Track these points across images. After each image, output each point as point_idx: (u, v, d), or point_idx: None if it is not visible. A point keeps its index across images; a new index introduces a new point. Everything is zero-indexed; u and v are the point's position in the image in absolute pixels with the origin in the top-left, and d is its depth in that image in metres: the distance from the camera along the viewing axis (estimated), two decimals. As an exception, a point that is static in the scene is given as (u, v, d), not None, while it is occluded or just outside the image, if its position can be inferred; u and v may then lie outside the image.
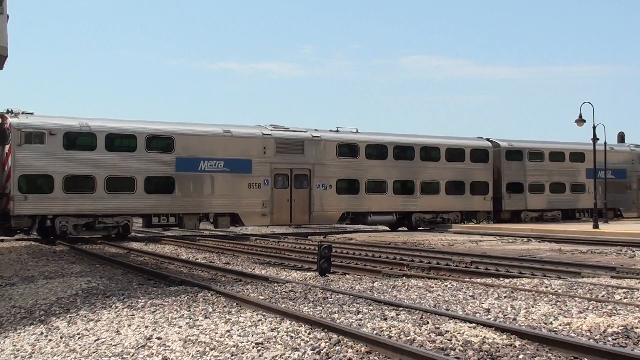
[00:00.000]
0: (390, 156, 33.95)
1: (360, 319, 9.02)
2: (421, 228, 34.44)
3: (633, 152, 42.24)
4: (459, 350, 7.27)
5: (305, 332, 8.14)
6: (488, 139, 37.54)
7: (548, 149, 38.95)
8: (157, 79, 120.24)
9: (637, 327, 8.48)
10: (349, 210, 32.75)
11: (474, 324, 8.52)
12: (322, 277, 14.58)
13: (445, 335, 7.96)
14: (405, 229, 34.69)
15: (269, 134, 30.84)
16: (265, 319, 9.01)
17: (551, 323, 8.85)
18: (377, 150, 33.82)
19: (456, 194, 35.51)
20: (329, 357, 7.04)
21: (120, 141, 28.18)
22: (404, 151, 34.45)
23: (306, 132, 31.93)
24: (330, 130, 32.91)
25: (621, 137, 44.72)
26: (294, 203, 31.19)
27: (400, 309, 9.82)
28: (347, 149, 32.98)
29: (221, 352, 7.31)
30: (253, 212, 30.14)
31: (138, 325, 8.84)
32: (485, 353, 7.15)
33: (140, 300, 10.92)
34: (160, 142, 28.88)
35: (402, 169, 34.14)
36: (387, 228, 36.54)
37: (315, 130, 32.34)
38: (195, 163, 29.17)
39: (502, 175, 37.10)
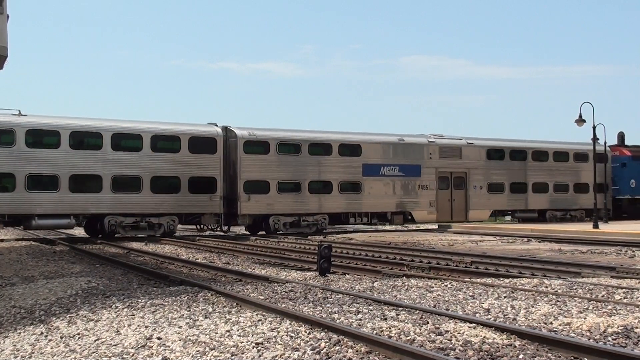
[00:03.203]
0: (66, 145, 27.41)
1: (360, 319, 9.02)
2: (119, 235, 28.32)
3: (431, 145, 35.29)
4: (459, 350, 7.27)
5: (305, 332, 8.14)
6: (226, 127, 31.22)
7: (307, 140, 32.24)
8: (157, 78, 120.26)
9: (637, 327, 8.48)
10: None
11: (474, 324, 8.52)
12: (322, 277, 14.58)
13: (445, 335, 7.96)
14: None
15: None
16: (265, 319, 9.01)
17: (551, 323, 8.85)
18: (46, 138, 27.39)
19: (168, 192, 29.14)
20: (329, 357, 7.04)
21: None
22: (87, 139, 28.19)
23: None
24: None
25: (621, 137, 44.63)
26: None
27: (400, 309, 9.82)
28: None
29: (221, 352, 7.31)
30: None
31: (138, 325, 8.84)
32: (485, 353, 7.15)
33: (140, 300, 10.92)
34: None
35: (84, 161, 27.66)
36: (388, 228, 36.43)
37: None
38: None
39: (239, 172, 30.51)
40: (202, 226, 31.64)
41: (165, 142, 29.55)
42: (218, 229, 31.42)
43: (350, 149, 33.20)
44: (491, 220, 39.42)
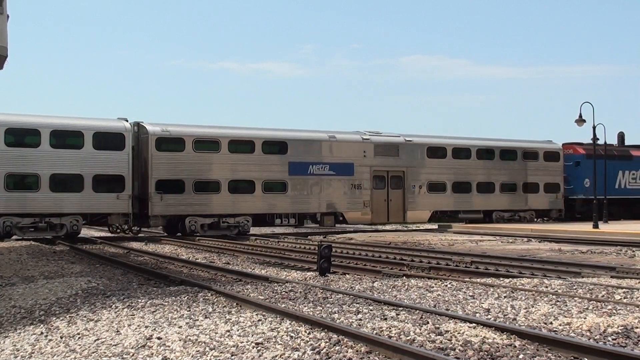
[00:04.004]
0: None
1: (360, 319, 9.03)
2: (16, 237, 26.66)
3: (365, 143, 33.03)
4: (459, 350, 7.27)
5: (305, 332, 8.15)
6: (138, 122, 29.20)
7: (227, 136, 30.13)
8: (157, 78, 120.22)
9: (637, 327, 8.48)
10: None
11: (474, 324, 8.52)
12: (322, 277, 14.58)
13: (445, 335, 7.97)
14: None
15: None
16: (265, 319, 9.02)
17: (551, 323, 8.85)
18: None
19: (70, 190, 27.05)
20: (329, 357, 7.04)
21: None
22: None
23: None
24: None
25: (621, 137, 44.64)
26: None
27: (400, 309, 9.83)
28: None
29: (221, 352, 7.31)
30: None
31: (138, 325, 8.85)
32: (485, 353, 7.16)
33: (140, 300, 10.93)
34: None
35: None
36: (388, 228, 36.39)
37: None
38: None
39: (151, 170, 28.37)
40: (113, 227, 29.84)
41: (66, 138, 27.45)
42: (128, 230, 29.79)
43: (275, 147, 31.15)
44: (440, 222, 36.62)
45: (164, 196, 28.50)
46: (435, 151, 35.07)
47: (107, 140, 27.94)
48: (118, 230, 30.15)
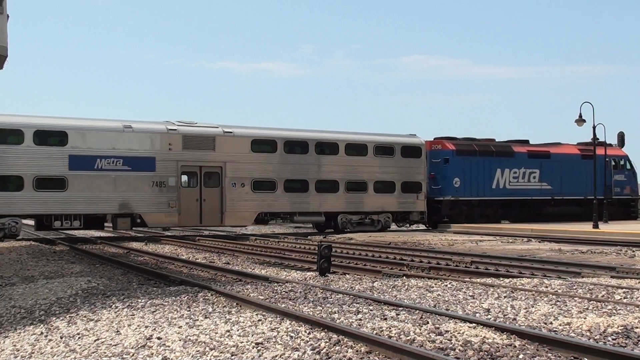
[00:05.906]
0: None
1: (360, 319, 9.03)
2: None
3: (171, 134, 28.72)
4: (459, 350, 7.27)
5: (305, 332, 8.15)
6: None
7: None
8: (156, 78, 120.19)
9: (637, 327, 8.49)
10: None
11: (474, 324, 8.52)
12: (322, 277, 14.59)
13: (445, 335, 7.97)
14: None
15: None
16: (265, 319, 9.02)
17: (551, 323, 8.85)
18: None
19: None
20: (329, 357, 7.04)
21: None
22: None
23: None
24: None
25: (621, 137, 44.61)
26: None
27: (400, 309, 9.83)
28: None
29: (221, 352, 7.31)
30: None
31: (138, 325, 8.85)
32: (485, 353, 7.16)
33: (140, 300, 10.93)
34: None
35: None
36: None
37: None
38: None
39: None
40: None
41: None
42: None
43: (53, 137, 26.89)
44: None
45: None
46: (263, 144, 30.88)
47: None
48: None
